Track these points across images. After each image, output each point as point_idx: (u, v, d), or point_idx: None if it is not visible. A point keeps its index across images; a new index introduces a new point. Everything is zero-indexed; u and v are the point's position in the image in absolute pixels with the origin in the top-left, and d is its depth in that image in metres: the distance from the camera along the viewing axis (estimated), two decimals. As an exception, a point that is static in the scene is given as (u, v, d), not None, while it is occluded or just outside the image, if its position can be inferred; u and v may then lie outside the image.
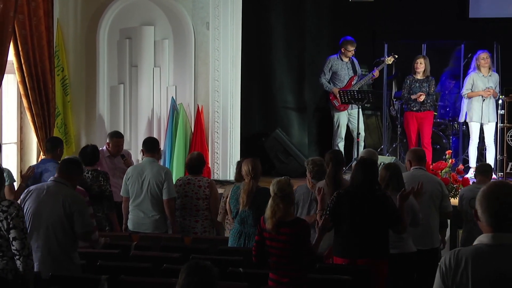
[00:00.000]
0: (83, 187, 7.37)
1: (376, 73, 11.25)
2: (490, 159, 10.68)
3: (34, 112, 9.72)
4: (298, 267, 5.40)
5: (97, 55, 10.89)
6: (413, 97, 10.85)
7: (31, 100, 9.65)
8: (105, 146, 8.72)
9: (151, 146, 8.00)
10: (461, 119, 10.99)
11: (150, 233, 7.63)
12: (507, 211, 3.19)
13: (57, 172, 6.05)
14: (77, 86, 10.97)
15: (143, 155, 8.01)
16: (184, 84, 10.92)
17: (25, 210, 5.78)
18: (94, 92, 10.96)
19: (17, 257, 5.11)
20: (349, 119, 11.31)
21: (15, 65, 9.50)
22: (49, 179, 6.08)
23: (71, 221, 5.80)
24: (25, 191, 6.09)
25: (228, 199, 7.26)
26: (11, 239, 5.10)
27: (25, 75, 9.54)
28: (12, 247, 5.11)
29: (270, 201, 5.42)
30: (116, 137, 8.73)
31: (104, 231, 7.51)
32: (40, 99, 9.76)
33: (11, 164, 9.95)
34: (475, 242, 3.25)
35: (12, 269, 5.14)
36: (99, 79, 10.91)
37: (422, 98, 10.78)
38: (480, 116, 10.61)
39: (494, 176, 10.64)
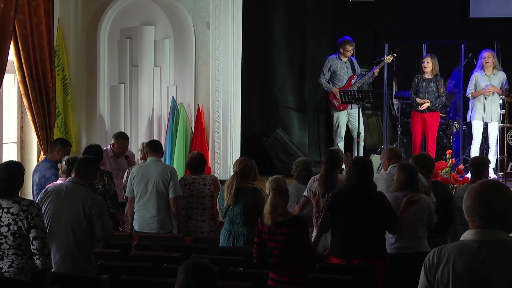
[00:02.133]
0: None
1: (376, 71, 11.24)
2: (491, 158, 10.67)
3: (34, 112, 9.70)
4: (298, 266, 5.40)
5: (98, 54, 10.88)
6: (418, 100, 10.80)
7: (31, 99, 9.63)
8: (109, 146, 8.71)
9: (155, 147, 7.98)
10: (468, 119, 10.95)
11: (150, 232, 7.61)
12: (491, 208, 3.19)
13: (74, 172, 5.96)
14: (78, 85, 10.96)
15: (147, 155, 7.99)
16: (185, 84, 10.92)
17: (44, 211, 5.73)
18: (94, 92, 10.95)
19: (36, 256, 5.11)
20: (349, 118, 11.30)
21: (16, 64, 9.49)
22: (67, 179, 6.04)
23: (90, 223, 5.76)
24: (43, 191, 6.03)
25: (218, 199, 7.26)
26: (31, 239, 5.11)
27: (26, 74, 9.52)
28: (32, 247, 5.11)
29: (269, 197, 5.41)
30: (122, 139, 8.73)
31: None
32: (41, 99, 9.74)
33: (11, 163, 9.91)
34: (461, 238, 3.26)
35: (31, 268, 5.16)
36: (99, 79, 10.89)
37: (425, 107, 10.72)
38: (482, 115, 10.58)
39: (491, 173, 10.72)
